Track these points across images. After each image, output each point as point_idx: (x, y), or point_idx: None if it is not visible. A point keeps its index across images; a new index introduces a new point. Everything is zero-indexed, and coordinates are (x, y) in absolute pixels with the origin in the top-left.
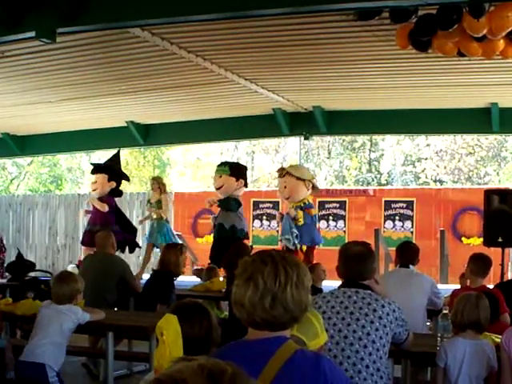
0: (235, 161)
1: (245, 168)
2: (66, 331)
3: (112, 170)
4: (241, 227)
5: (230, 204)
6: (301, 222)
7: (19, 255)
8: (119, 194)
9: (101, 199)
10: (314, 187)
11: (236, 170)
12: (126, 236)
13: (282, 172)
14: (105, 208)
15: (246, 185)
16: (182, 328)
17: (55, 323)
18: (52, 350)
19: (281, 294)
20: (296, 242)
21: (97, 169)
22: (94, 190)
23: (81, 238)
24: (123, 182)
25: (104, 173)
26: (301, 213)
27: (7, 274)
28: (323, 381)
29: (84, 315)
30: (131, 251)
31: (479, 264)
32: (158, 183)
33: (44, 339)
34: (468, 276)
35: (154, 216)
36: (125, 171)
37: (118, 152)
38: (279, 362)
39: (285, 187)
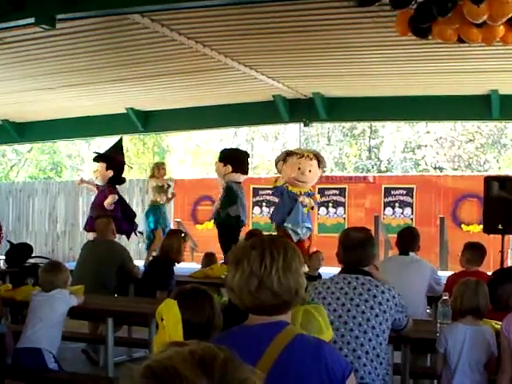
0: (235, 147)
1: (239, 154)
2: (60, 314)
3: (110, 159)
4: (242, 218)
5: (230, 199)
6: (313, 209)
7: (12, 245)
8: (120, 181)
9: (103, 191)
10: (321, 176)
11: (226, 156)
12: (125, 226)
13: (310, 155)
14: (115, 198)
15: (241, 171)
16: (184, 313)
17: (48, 307)
18: (47, 333)
19: (266, 277)
20: (303, 237)
21: (97, 157)
22: (97, 178)
23: (84, 223)
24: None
25: (103, 161)
26: (312, 200)
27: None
28: (324, 365)
29: (72, 297)
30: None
31: (476, 253)
32: (164, 169)
33: (38, 324)
34: (463, 264)
35: (162, 201)
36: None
37: (120, 140)
38: (279, 347)
39: (310, 171)
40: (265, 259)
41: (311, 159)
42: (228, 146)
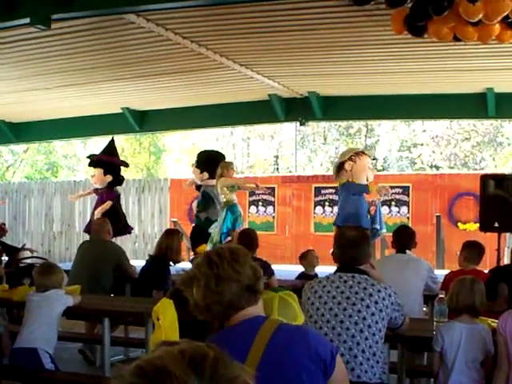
0: (211, 150)
1: (215, 159)
2: (56, 314)
3: (107, 164)
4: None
5: (206, 206)
6: None
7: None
8: (119, 182)
9: (101, 195)
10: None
11: (203, 162)
12: (127, 228)
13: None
14: (108, 205)
15: (214, 176)
16: (179, 312)
17: (44, 308)
18: (43, 333)
19: (222, 271)
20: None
21: (93, 163)
22: (96, 183)
23: (83, 224)
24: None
25: (99, 167)
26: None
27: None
28: (312, 348)
29: (68, 298)
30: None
31: (474, 251)
32: (233, 169)
33: (35, 324)
34: (461, 263)
35: (235, 201)
36: (121, 158)
37: (112, 141)
38: (266, 336)
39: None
40: (212, 259)
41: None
42: (204, 149)
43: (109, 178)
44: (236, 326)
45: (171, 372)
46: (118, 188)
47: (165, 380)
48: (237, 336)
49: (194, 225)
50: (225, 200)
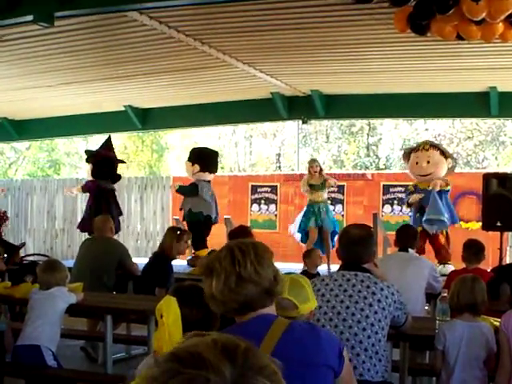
0: (204, 146)
1: (207, 153)
2: (59, 311)
3: (94, 155)
4: (207, 213)
5: (185, 189)
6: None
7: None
8: (106, 174)
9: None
10: (453, 167)
11: (194, 156)
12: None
13: (426, 146)
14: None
15: (208, 170)
16: (181, 310)
17: (47, 305)
18: (46, 330)
19: (243, 271)
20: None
21: (86, 158)
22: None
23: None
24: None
25: (89, 159)
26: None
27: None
28: (321, 344)
29: (71, 295)
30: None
31: (471, 251)
32: (318, 166)
33: (38, 321)
34: (464, 262)
35: (319, 199)
36: (123, 156)
37: (107, 139)
38: (277, 335)
39: (428, 162)
40: (236, 256)
41: (427, 150)
42: (199, 146)
43: (91, 167)
44: (247, 322)
45: (205, 358)
46: (115, 185)
47: (199, 365)
48: (247, 332)
49: (185, 222)
50: (309, 198)
